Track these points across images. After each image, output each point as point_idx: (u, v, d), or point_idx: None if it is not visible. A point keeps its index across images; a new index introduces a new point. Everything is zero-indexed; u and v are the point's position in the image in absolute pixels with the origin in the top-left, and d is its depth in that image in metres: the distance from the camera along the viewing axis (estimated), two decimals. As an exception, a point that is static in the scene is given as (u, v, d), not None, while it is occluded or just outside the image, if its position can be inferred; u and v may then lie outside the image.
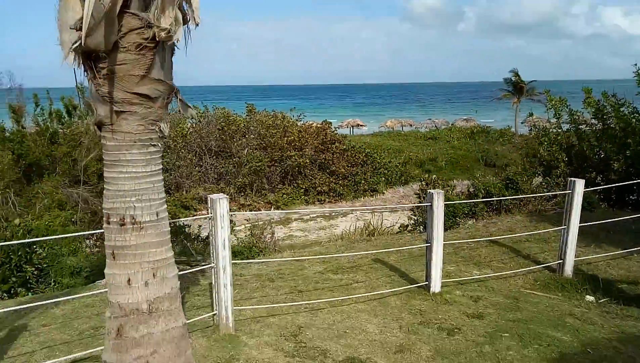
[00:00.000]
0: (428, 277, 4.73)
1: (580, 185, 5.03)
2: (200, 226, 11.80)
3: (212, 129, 19.60)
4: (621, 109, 8.70)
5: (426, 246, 4.73)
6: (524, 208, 8.50)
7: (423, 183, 10.41)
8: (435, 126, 39.50)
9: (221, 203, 3.70)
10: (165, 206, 2.67)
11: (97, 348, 3.70)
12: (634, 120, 8.58)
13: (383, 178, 21.83)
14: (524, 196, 7.94)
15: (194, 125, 20.11)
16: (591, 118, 9.18)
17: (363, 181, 20.65)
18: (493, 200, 8.24)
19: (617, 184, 7.68)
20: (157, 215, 2.56)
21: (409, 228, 9.34)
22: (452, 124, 39.95)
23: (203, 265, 5.01)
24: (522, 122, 35.88)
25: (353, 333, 4.01)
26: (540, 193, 8.97)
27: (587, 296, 4.80)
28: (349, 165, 20.95)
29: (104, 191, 2.51)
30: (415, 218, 9.37)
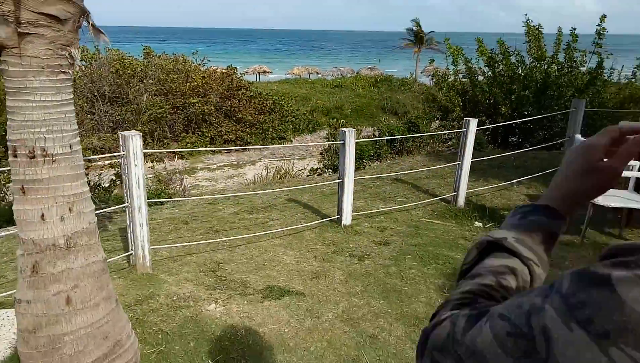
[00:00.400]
0: (340, 211, 5.03)
1: (474, 124, 5.56)
2: (100, 174, 11.14)
3: (105, 73, 18.12)
4: (510, 58, 9.55)
5: (338, 182, 4.99)
6: (424, 150, 9.18)
7: (332, 128, 10.71)
8: (341, 74, 40.03)
9: (134, 140, 3.58)
10: (79, 138, 2.54)
11: None
12: (519, 69, 9.48)
13: (291, 126, 21.93)
14: (425, 134, 8.55)
15: (84, 68, 18.43)
16: (484, 65, 9.96)
17: (271, 129, 20.62)
18: (396, 139, 8.76)
19: (503, 124, 8.53)
20: (70, 147, 2.43)
21: (319, 171, 9.66)
22: (357, 73, 40.74)
23: (114, 207, 4.84)
24: (421, 72, 37.76)
25: (271, 265, 4.20)
26: (438, 135, 9.71)
27: (476, 222, 5.43)
28: (256, 113, 20.72)
29: (8, 122, 2.31)
30: (325, 162, 9.69)
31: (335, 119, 22.42)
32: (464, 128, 5.59)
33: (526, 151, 7.94)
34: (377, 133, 9.77)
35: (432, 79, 10.86)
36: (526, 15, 9.22)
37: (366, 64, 48.05)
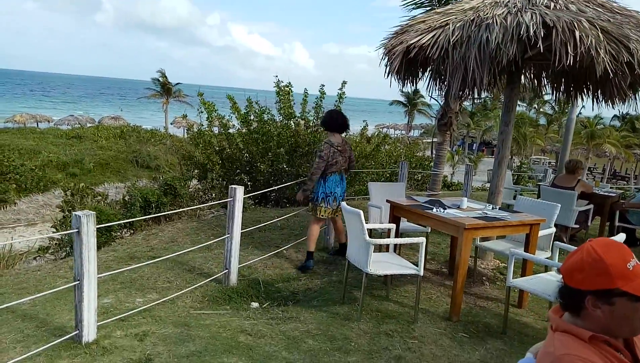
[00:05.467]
0: (79, 325, 3.69)
1: (240, 192, 5.02)
2: None
3: None
4: (263, 116, 9.60)
5: (74, 284, 3.67)
6: (184, 214, 8.26)
7: (68, 193, 8.74)
8: (80, 124, 35.59)
9: None
10: None
11: None
12: (272, 127, 9.59)
13: (14, 185, 18.11)
14: (189, 208, 7.64)
15: None
16: (240, 123, 9.78)
17: (-18, 191, 16.42)
18: (152, 204, 7.62)
19: (268, 190, 8.33)
20: None
21: (51, 250, 7.66)
22: (99, 122, 36.92)
23: None
24: (171, 123, 36.62)
25: None
26: (198, 196, 8.96)
27: (252, 303, 4.82)
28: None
29: None
30: (60, 237, 7.75)
31: (73, 178, 19.46)
32: (230, 197, 5.00)
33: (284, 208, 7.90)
34: (127, 197, 8.36)
35: (187, 135, 10.16)
36: (277, 76, 9.48)
37: (108, 113, 44.02)
